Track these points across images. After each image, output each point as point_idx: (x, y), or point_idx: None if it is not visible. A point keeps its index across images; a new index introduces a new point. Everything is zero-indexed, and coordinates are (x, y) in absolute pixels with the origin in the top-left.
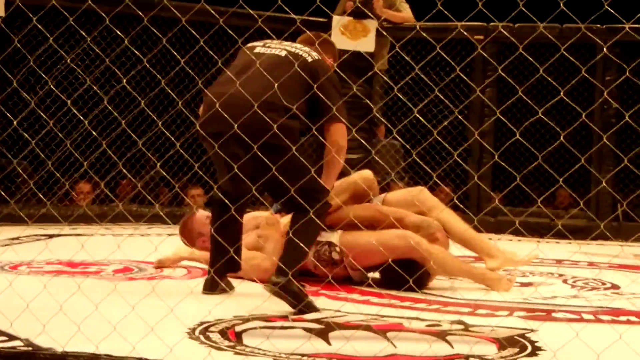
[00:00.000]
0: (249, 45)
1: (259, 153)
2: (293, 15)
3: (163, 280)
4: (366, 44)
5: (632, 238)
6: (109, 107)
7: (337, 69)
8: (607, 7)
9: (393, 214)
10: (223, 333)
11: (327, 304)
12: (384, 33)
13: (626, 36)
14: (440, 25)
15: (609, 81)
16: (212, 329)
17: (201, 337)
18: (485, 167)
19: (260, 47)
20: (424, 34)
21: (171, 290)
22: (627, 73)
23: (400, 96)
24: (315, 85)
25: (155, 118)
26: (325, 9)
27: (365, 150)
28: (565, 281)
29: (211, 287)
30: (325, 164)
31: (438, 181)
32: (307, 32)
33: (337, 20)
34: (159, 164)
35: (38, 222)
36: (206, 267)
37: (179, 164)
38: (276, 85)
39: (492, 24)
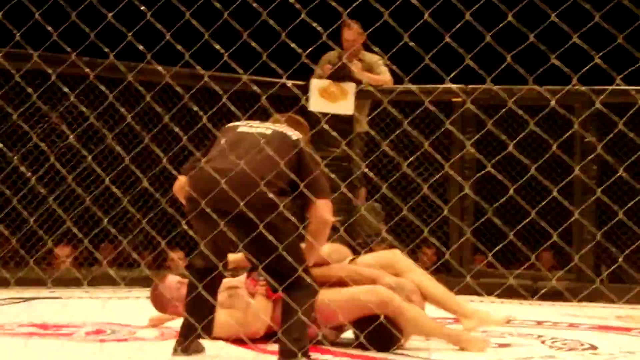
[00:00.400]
0: (232, 125)
1: (262, 230)
2: (273, 79)
3: (135, 342)
4: (345, 107)
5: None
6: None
7: (317, 133)
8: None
9: (368, 274)
10: None
11: None
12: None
13: (606, 98)
14: (419, 88)
15: (588, 142)
16: None
17: None
18: (466, 234)
19: (243, 126)
20: (413, 94)
21: (140, 353)
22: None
23: (390, 151)
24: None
25: (140, 174)
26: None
27: (346, 214)
28: (543, 342)
29: (184, 349)
30: (312, 238)
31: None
32: (275, 113)
33: (316, 83)
34: (144, 221)
35: (16, 285)
36: None
37: (161, 225)
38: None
39: (470, 86)
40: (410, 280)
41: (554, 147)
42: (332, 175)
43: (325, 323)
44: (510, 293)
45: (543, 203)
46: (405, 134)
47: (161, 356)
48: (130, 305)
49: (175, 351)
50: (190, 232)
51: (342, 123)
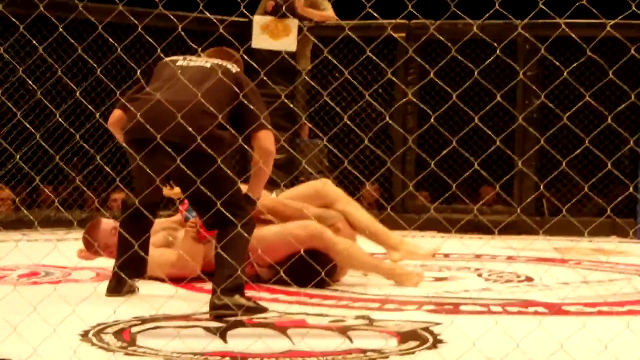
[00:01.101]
0: (169, 59)
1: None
2: (211, 17)
3: (68, 283)
4: (288, 44)
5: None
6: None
7: (259, 69)
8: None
9: (294, 205)
10: (117, 334)
11: None
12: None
13: (546, 31)
14: (362, 23)
15: (529, 77)
16: (107, 330)
17: (94, 339)
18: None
19: (181, 60)
20: (349, 33)
21: (74, 294)
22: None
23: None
24: (241, 94)
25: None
26: (245, 11)
27: (289, 151)
28: (480, 275)
29: (115, 290)
30: (254, 171)
31: (362, 179)
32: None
33: (258, 20)
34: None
35: None
36: None
37: (106, 170)
38: (199, 93)
39: (414, 21)
40: (340, 211)
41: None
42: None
43: (259, 262)
44: (452, 228)
45: (487, 152)
46: (350, 71)
47: (94, 297)
48: (68, 247)
49: (108, 291)
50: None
51: (284, 60)
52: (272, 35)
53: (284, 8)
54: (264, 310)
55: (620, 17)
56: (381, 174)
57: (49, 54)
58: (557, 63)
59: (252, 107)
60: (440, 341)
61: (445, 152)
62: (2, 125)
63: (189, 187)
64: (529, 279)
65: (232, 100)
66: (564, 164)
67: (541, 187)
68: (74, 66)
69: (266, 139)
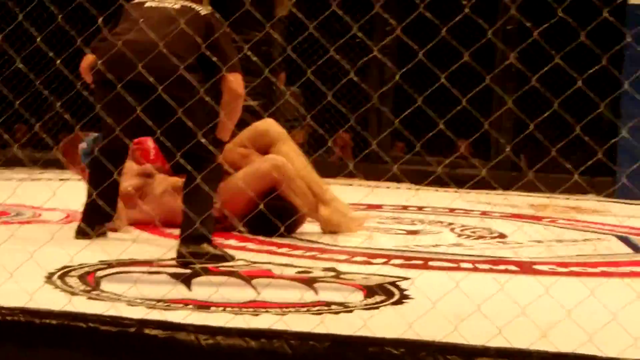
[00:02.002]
0: (138, 0)
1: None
2: None
3: (38, 224)
4: None
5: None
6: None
7: (236, 17)
8: None
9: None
10: (82, 278)
11: None
12: None
13: None
14: None
15: (509, 31)
16: (72, 273)
17: (58, 281)
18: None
19: (150, 2)
20: None
21: (41, 235)
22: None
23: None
24: (213, 37)
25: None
26: None
27: (265, 97)
28: (452, 230)
29: (84, 232)
30: (225, 113)
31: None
32: None
33: None
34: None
35: None
36: None
37: (78, 107)
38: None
39: None
40: (278, 151)
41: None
42: (254, 59)
43: (229, 209)
44: (427, 180)
45: (461, 105)
46: (328, 17)
47: (62, 239)
48: (40, 188)
49: (77, 234)
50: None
51: (261, 6)
52: None
53: None
54: (230, 258)
55: None
56: (358, 123)
57: None
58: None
59: (222, 49)
60: (407, 297)
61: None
62: None
63: (160, 131)
64: (501, 236)
65: (199, 42)
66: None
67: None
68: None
69: (235, 81)
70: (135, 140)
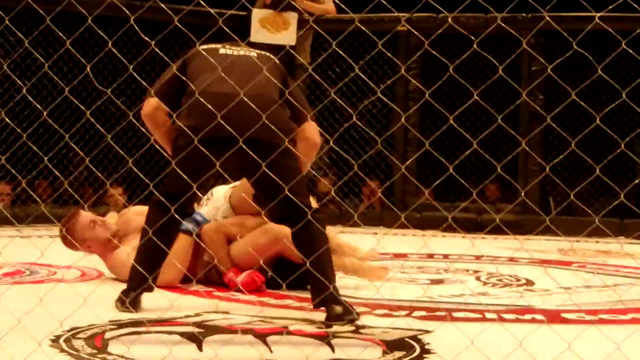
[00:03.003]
0: (207, 47)
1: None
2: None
3: (50, 283)
4: (287, 38)
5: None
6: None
7: None
8: None
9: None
10: (89, 340)
11: (221, 306)
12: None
13: (550, 25)
14: (363, 17)
15: (534, 72)
16: (80, 335)
17: (64, 344)
18: (412, 159)
19: (222, 48)
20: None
21: (53, 294)
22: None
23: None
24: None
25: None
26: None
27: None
28: (478, 278)
29: (133, 303)
30: (300, 161)
31: (363, 176)
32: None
33: (257, 13)
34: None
35: None
36: None
37: (103, 163)
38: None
39: (415, 14)
40: None
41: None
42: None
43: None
44: (453, 227)
45: (487, 132)
46: (349, 66)
47: (73, 297)
48: (56, 245)
49: (122, 305)
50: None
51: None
52: (272, 29)
53: (282, 1)
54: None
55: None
56: (382, 170)
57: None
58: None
59: (300, 96)
60: (428, 351)
61: (433, 136)
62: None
63: (260, 180)
64: (529, 283)
65: (281, 91)
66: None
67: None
68: (69, 61)
69: (313, 130)
70: None
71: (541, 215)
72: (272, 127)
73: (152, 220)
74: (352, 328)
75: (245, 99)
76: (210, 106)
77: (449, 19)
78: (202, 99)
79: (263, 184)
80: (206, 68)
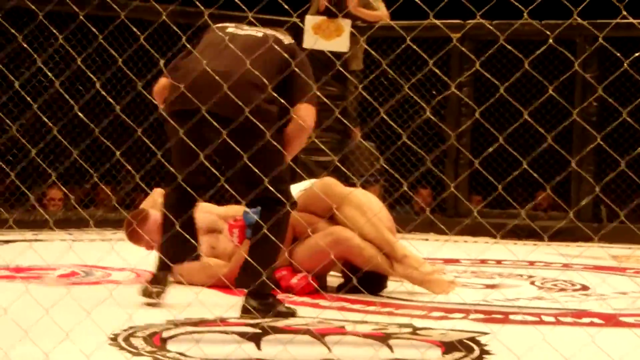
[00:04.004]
0: (220, 25)
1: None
2: (261, 16)
3: (107, 285)
4: (340, 44)
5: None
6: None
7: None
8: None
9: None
10: (147, 339)
11: None
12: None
13: (606, 32)
14: (416, 23)
15: (589, 78)
16: (138, 334)
17: (123, 343)
18: (463, 175)
19: (232, 27)
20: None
21: (109, 296)
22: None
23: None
24: (293, 64)
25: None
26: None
27: (339, 153)
28: (533, 283)
29: (160, 282)
30: (287, 141)
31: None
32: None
33: (310, 20)
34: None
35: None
36: None
37: (156, 170)
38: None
39: (469, 21)
40: (347, 216)
41: (550, 90)
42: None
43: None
44: (506, 234)
45: (539, 150)
46: (402, 72)
47: (129, 298)
48: (114, 248)
49: (147, 295)
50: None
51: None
52: (324, 36)
53: (336, 8)
54: (293, 314)
55: None
56: (434, 178)
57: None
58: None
59: (301, 78)
60: (487, 352)
61: (490, 150)
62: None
63: (234, 163)
64: (584, 288)
65: (281, 70)
66: (622, 164)
67: (597, 189)
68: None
69: (308, 111)
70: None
71: (594, 223)
72: (244, 107)
73: (168, 205)
74: (410, 330)
75: (221, 77)
76: (188, 81)
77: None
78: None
79: (226, 161)
80: (205, 45)
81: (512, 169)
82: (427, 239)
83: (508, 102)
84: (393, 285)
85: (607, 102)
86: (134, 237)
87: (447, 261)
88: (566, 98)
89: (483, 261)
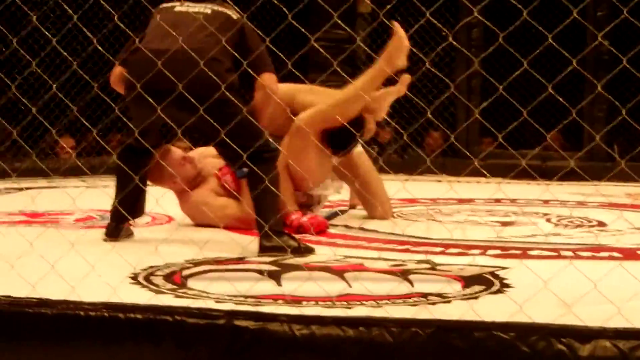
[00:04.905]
0: (166, 5)
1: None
2: None
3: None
4: None
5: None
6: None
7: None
8: None
9: None
10: (168, 277)
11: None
12: None
13: None
14: None
15: (600, 17)
16: (158, 273)
17: (143, 281)
18: (471, 119)
19: (179, 6)
20: None
21: (127, 239)
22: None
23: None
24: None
25: None
26: None
27: None
28: (549, 220)
29: (112, 234)
30: (257, 111)
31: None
32: None
33: None
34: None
35: (18, 177)
36: None
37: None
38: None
39: None
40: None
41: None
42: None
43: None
44: (518, 174)
45: (552, 88)
46: (411, 13)
47: (146, 240)
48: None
49: (106, 235)
50: None
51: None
52: None
53: None
54: (311, 250)
55: None
56: (446, 120)
57: None
58: None
59: (256, 49)
60: (508, 285)
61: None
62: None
63: (212, 134)
64: (600, 224)
65: (234, 45)
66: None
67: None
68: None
69: (270, 79)
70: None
71: (607, 162)
72: (206, 81)
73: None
74: (428, 266)
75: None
76: (145, 62)
77: None
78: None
79: (212, 138)
80: (156, 25)
81: (524, 109)
82: (439, 180)
83: (518, 42)
84: (409, 225)
85: (619, 40)
86: (155, 176)
87: (461, 201)
88: (578, 38)
89: (497, 200)
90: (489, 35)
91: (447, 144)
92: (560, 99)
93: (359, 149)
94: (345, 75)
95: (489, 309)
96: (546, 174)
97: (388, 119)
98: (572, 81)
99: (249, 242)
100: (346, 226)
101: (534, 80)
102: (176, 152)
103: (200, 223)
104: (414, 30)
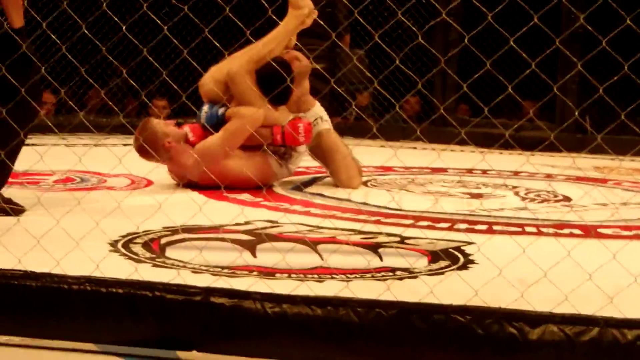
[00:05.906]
0: None
1: None
2: None
3: (103, 190)
4: None
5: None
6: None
7: None
8: None
9: None
10: (146, 245)
11: (267, 215)
12: None
13: None
14: None
15: None
16: (137, 240)
17: (122, 249)
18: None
19: None
20: None
21: (106, 202)
22: None
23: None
24: None
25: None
26: None
27: (329, 60)
28: (517, 193)
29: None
30: None
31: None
32: None
33: None
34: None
35: None
36: None
37: (147, 74)
38: None
39: None
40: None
41: None
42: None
43: None
44: (491, 142)
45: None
46: None
47: (126, 205)
48: (105, 154)
49: None
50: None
51: None
52: None
53: None
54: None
55: None
56: (422, 86)
57: None
58: None
59: None
60: (472, 262)
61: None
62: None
63: None
64: (566, 199)
65: None
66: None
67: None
68: None
69: None
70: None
71: (578, 133)
72: None
73: None
74: (398, 239)
75: None
76: None
77: None
78: None
79: None
80: None
81: (498, 77)
82: (415, 147)
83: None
84: (381, 196)
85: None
86: (145, 153)
87: (435, 170)
88: (552, 9)
89: (469, 171)
90: (468, 4)
91: (435, 116)
92: (543, 75)
93: (327, 126)
94: None
95: (453, 285)
96: (518, 143)
97: (367, 83)
98: (547, 54)
99: (227, 209)
100: (321, 195)
101: (513, 51)
102: (156, 120)
103: (203, 180)
104: None
